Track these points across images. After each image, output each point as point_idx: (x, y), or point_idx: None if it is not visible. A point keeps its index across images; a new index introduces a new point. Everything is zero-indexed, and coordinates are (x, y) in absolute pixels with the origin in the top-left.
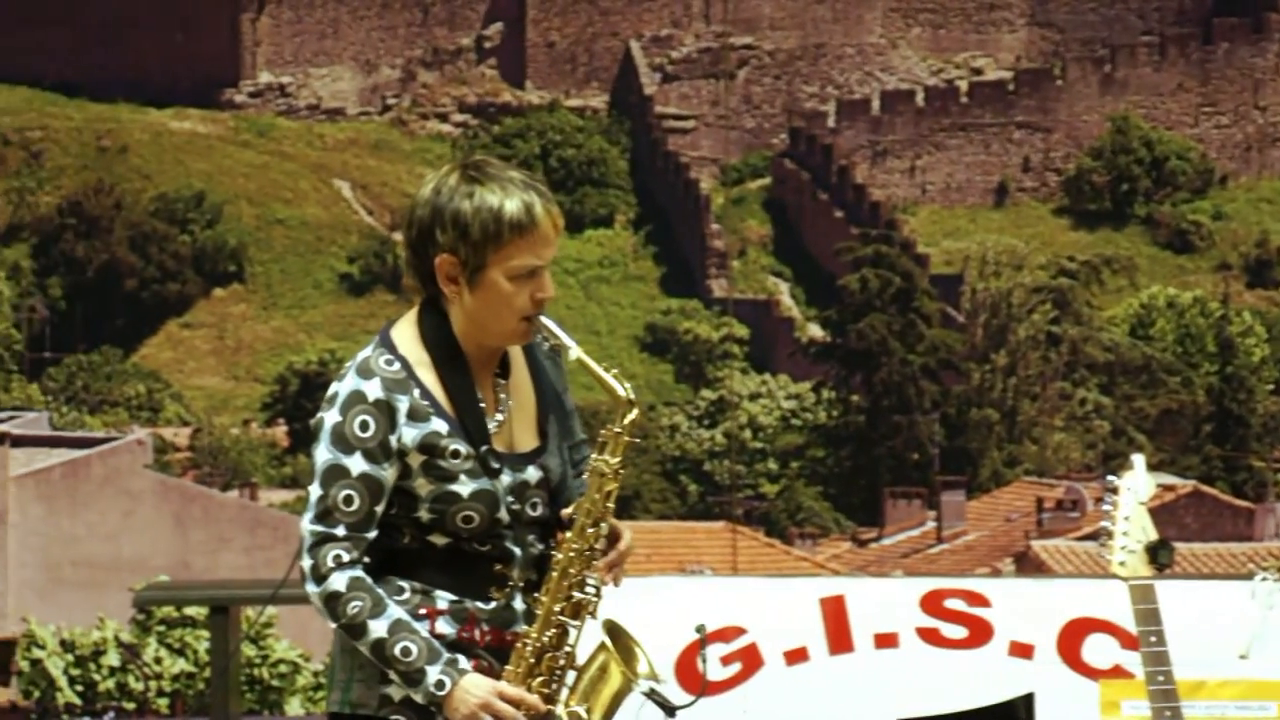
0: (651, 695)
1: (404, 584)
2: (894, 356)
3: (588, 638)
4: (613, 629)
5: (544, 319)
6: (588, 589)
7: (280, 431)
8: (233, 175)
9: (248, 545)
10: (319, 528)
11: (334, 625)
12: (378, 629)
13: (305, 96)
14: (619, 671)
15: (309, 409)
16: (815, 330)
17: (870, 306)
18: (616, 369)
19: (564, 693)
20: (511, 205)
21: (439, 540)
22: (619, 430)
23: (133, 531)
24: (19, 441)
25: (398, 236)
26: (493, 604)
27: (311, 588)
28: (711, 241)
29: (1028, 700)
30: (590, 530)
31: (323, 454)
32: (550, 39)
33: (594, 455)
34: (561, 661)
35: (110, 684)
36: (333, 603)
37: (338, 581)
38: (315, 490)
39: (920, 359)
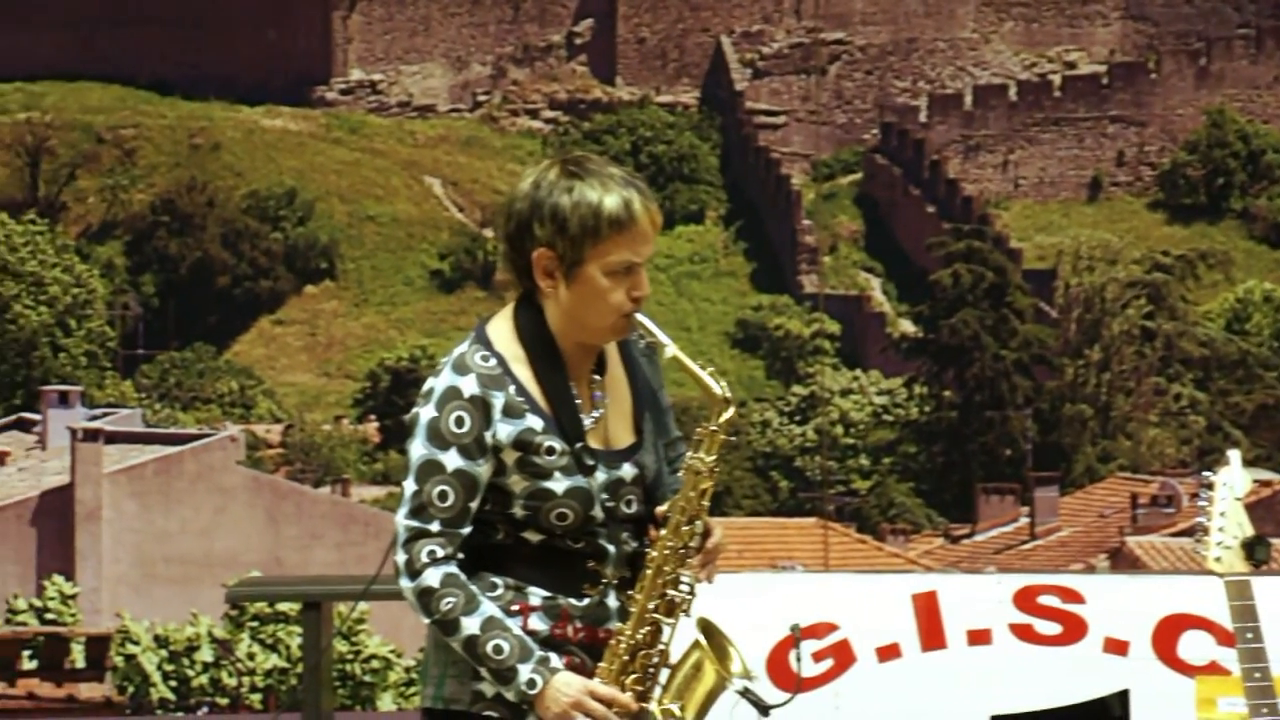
0: (746, 694)
1: (497, 580)
2: (986, 352)
3: (681, 636)
4: (707, 627)
5: (640, 316)
6: (682, 587)
7: (372, 428)
8: (324, 172)
9: (339, 541)
10: (413, 523)
11: (427, 621)
12: (470, 626)
13: (396, 93)
14: (713, 670)
15: (400, 405)
16: (907, 326)
17: (963, 302)
18: (712, 367)
19: (657, 691)
20: (611, 201)
21: (533, 537)
22: (715, 428)
23: (225, 527)
24: (113, 438)
25: (488, 233)
26: (586, 601)
27: (405, 583)
28: (802, 237)
29: (1122, 697)
30: (685, 528)
31: (418, 449)
32: (641, 35)
33: (689, 453)
34: (655, 659)
35: (203, 679)
36: (426, 598)
37: (431, 577)
38: (410, 485)
39: (1013, 354)
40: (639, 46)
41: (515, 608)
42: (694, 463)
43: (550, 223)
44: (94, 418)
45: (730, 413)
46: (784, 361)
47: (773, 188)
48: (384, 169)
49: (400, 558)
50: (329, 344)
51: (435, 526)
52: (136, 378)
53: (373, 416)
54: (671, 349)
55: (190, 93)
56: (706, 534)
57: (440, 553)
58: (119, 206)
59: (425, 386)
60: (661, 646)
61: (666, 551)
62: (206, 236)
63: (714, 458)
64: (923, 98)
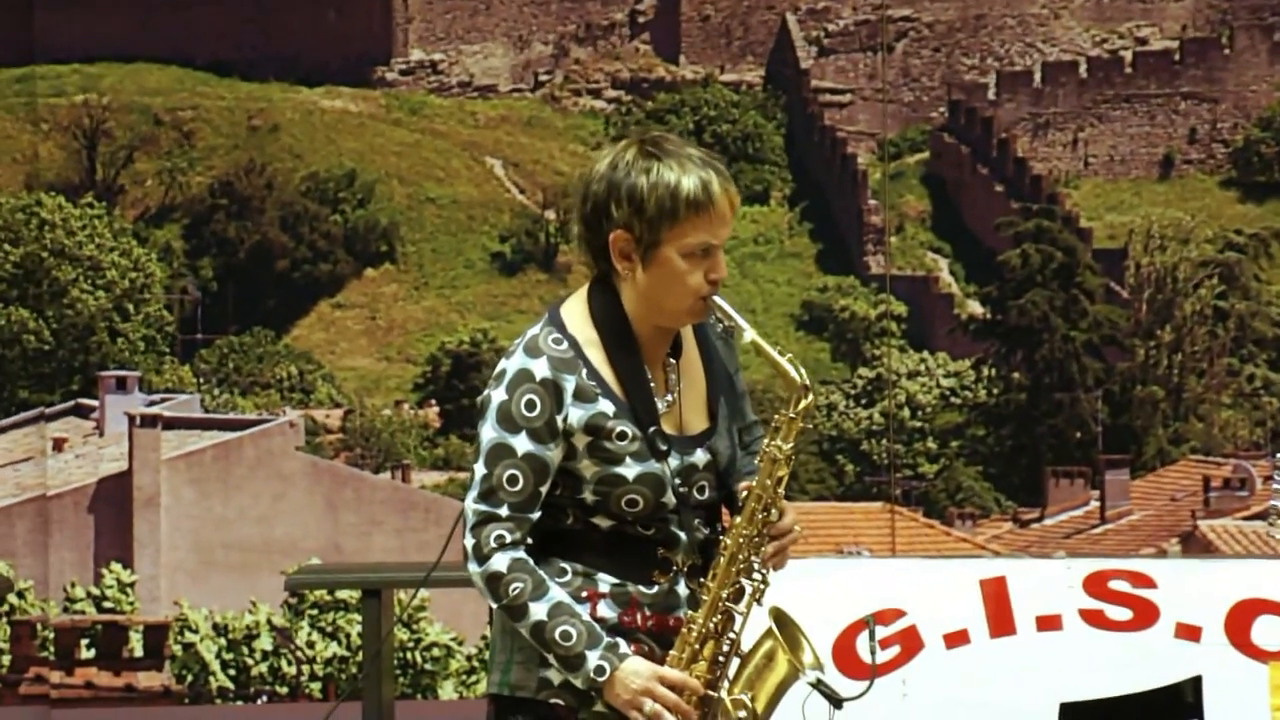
0: (818, 685)
1: (566, 566)
2: (1056, 333)
3: (753, 625)
4: (779, 616)
5: (718, 299)
6: (755, 575)
7: (432, 413)
8: (384, 154)
9: (400, 528)
10: (482, 507)
11: (494, 606)
12: (538, 611)
13: (457, 74)
14: (785, 660)
15: (461, 390)
16: (975, 307)
17: (1031, 282)
18: (790, 354)
19: (728, 680)
20: (689, 182)
21: (603, 523)
22: (793, 416)
23: (284, 514)
24: (171, 424)
25: (550, 215)
26: (656, 588)
27: (473, 567)
28: (869, 217)
29: (1195, 684)
30: (760, 516)
31: (488, 432)
32: (705, 13)
33: (767, 440)
34: (726, 648)
35: (263, 668)
36: (494, 583)
37: (500, 562)
38: (480, 469)
39: (1083, 335)
40: (703, 24)
41: (584, 594)
42: (771, 450)
43: (627, 204)
44: (152, 403)
45: (809, 400)
46: (850, 344)
47: (838, 167)
48: (444, 150)
49: (468, 542)
50: (389, 328)
51: (504, 511)
52: (195, 363)
53: (433, 401)
54: (750, 333)
55: (249, 74)
56: (780, 521)
57: (509, 538)
58: (177, 189)
59: (497, 368)
60: (733, 635)
61: (741, 539)
62: (265, 219)
63: (791, 445)
64: (991, 75)
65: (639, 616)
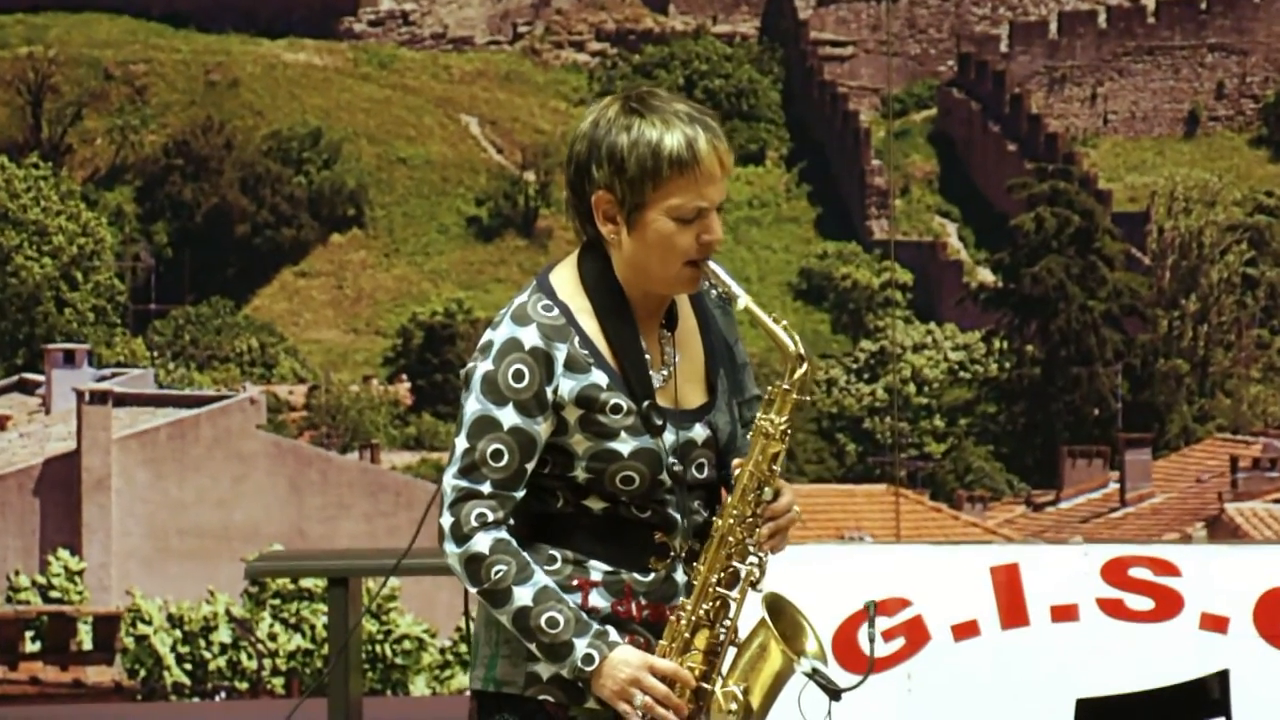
0: (814, 676)
1: (555, 553)
2: (1073, 303)
3: (751, 612)
4: (775, 603)
5: (712, 264)
6: (749, 559)
7: (403, 389)
8: (352, 111)
9: (368, 512)
10: (463, 483)
11: (474, 590)
12: (522, 596)
13: (430, 24)
14: (779, 650)
15: (434, 364)
16: (986, 275)
17: (1046, 248)
18: (786, 320)
19: (723, 671)
20: (672, 140)
21: (596, 505)
22: (787, 387)
23: (245, 497)
24: (122, 400)
25: (530, 176)
26: (652, 575)
27: (451, 548)
28: (872, 179)
29: (1222, 677)
30: (752, 495)
31: (472, 404)
32: None
33: (760, 413)
34: (721, 636)
35: (221, 662)
36: (474, 565)
37: (481, 542)
38: (461, 443)
39: (1102, 305)
40: None
41: (575, 583)
42: (764, 424)
43: (608, 164)
44: (102, 378)
45: (804, 370)
46: (851, 314)
47: (839, 125)
48: (416, 107)
49: (446, 520)
50: (357, 298)
51: (487, 488)
52: (148, 335)
53: (404, 376)
54: (744, 299)
55: (206, 25)
56: (776, 501)
57: (491, 516)
58: (129, 149)
59: (483, 339)
60: (727, 623)
61: (732, 520)
62: (224, 181)
63: (785, 419)
64: (1004, 25)
65: (634, 606)
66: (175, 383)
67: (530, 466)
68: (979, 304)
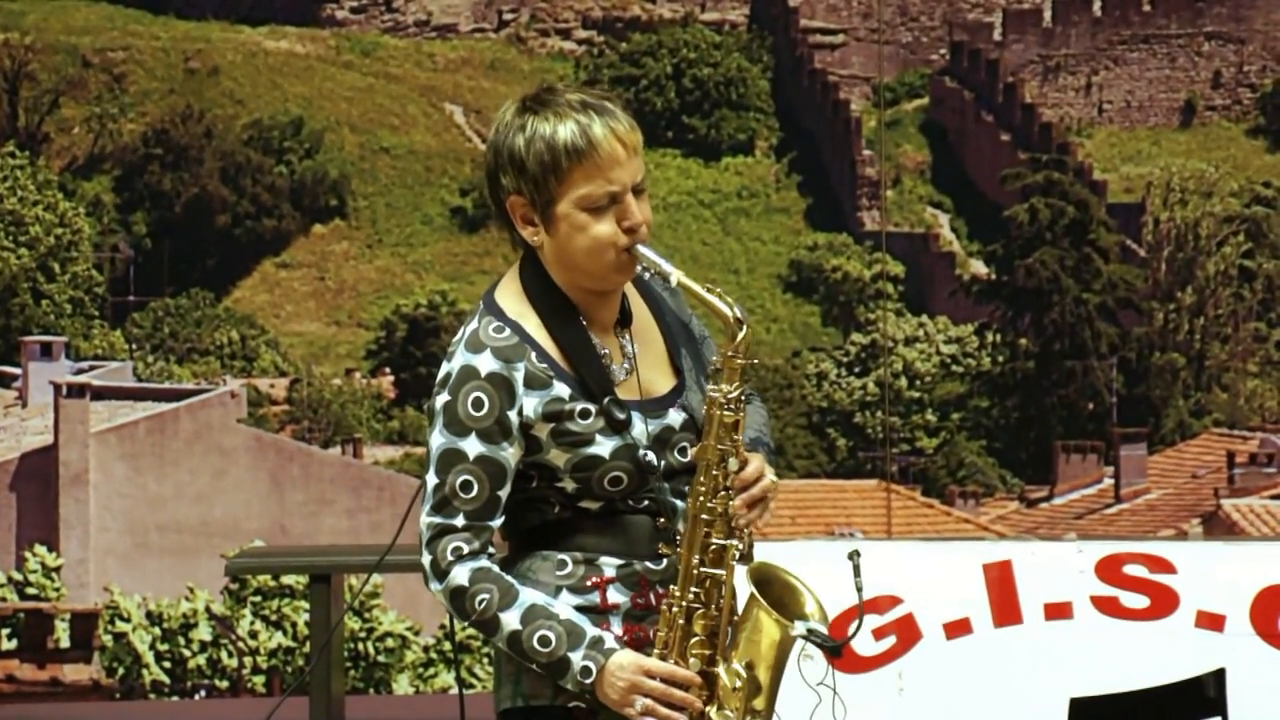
0: (809, 637)
1: (565, 557)
2: (1067, 295)
3: (744, 586)
4: (763, 573)
5: (641, 248)
6: (731, 535)
7: (386, 382)
8: (334, 99)
9: (351, 507)
10: (436, 519)
11: (464, 623)
12: (510, 621)
13: (413, 11)
14: (770, 619)
15: (418, 357)
16: (978, 267)
17: (1040, 240)
18: (719, 289)
19: (726, 651)
20: (565, 130)
21: (592, 505)
22: (730, 353)
23: (225, 493)
24: (101, 394)
25: None
26: (664, 562)
27: (434, 586)
28: (863, 169)
29: (1218, 676)
30: (717, 469)
31: (436, 439)
32: None
33: (709, 386)
34: (718, 617)
35: (201, 660)
36: (459, 599)
37: (460, 575)
38: (431, 479)
39: (1096, 298)
40: None
41: (590, 583)
42: (714, 395)
43: (511, 167)
44: (80, 371)
45: (745, 334)
46: (842, 307)
47: (830, 114)
48: (400, 95)
49: (425, 559)
50: (339, 289)
51: (460, 521)
52: (127, 327)
53: (387, 370)
54: (675, 275)
55: (186, 11)
56: (743, 470)
57: (466, 549)
58: (107, 138)
59: (441, 372)
60: (721, 601)
61: (701, 498)
62: (204, 171)
63: (735, 387)
64: (997, 13)
65: (652, 596)
66: (154, 376)
67: (503, 494)
68: (972, 296)
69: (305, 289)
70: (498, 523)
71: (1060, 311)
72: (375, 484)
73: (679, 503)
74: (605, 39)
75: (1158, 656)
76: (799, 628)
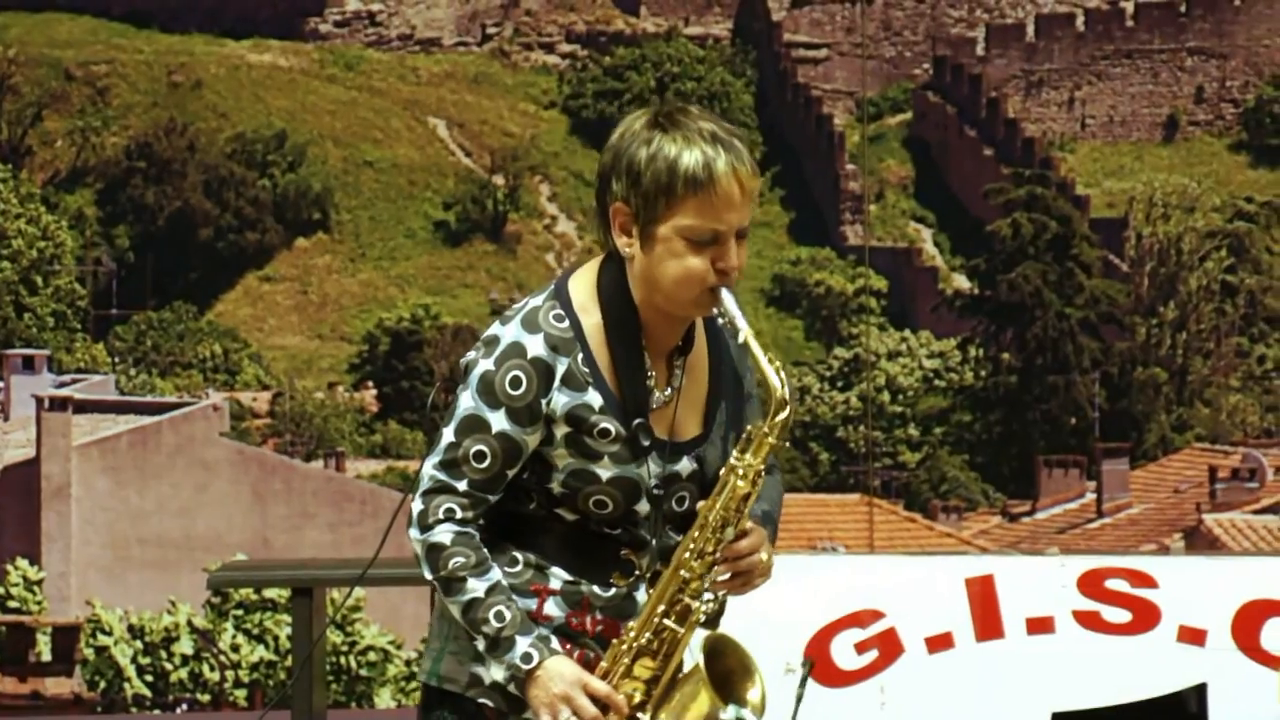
0: None
1: (519, 555)
2: (1049, 310)
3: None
4: (720, 645)
5: (725, 293)
6: (704, 596)
7: (369, 396)
8: (317, 113)
9: (333, 521)
10: (441, 475)
11: (430, 576)
12: (475, 588)
13: (397, 25)
14: (707, 694)
15: (401, 371)
16: (961, 281)
17: (1023, 254)
18: (779, 362)
19: (655, 705)
20: (690, 158)
21: (567, 515)
22: (766, 430)
23: (207, 506)
24: (83, 407)
25: (499, 180)
26: (612, 591)
27: (414, 533)
28: (846, 184)
29: (1199, 691)
30: (713, 533)
31: (465, 400)
32: None
33: (735, 452)
34: (662, 668)
35: (183, 674)
36: (434, 554)
37: (443, 534)
38: (448, 435)
39: (1079, 312)
40: None
41: (532, 588)
42: (735, 463)
43: (626, 176)
44: (62, 384)
45: (787, 414)
46: (825, 321)
47: (813, 129)
48: (383, 109)
49: (416, 506)
50: (322, 303)
51: (462, 485)
52: (109, 340)
53: (370, 383)
54: (745, 333)
55: (169, 25)
56: (739, 541)
57: (459, 514)
58: (90, 151)
59: (489, 332)
60: (669, 655)
61: (687, 554)
62: (187, 184)
63: (759, 461)
64: (980, 28)
65: (588, 620)
66: (137, 389)
67: (511, 473)
68: (954, 311)
69: (288, 302)
70: (495, 498)
71: (1043, 326)
72: (358, 498)
73: (653, 540)
74: (589, 53)
75: (1140, 671)
76: (730, 712)
